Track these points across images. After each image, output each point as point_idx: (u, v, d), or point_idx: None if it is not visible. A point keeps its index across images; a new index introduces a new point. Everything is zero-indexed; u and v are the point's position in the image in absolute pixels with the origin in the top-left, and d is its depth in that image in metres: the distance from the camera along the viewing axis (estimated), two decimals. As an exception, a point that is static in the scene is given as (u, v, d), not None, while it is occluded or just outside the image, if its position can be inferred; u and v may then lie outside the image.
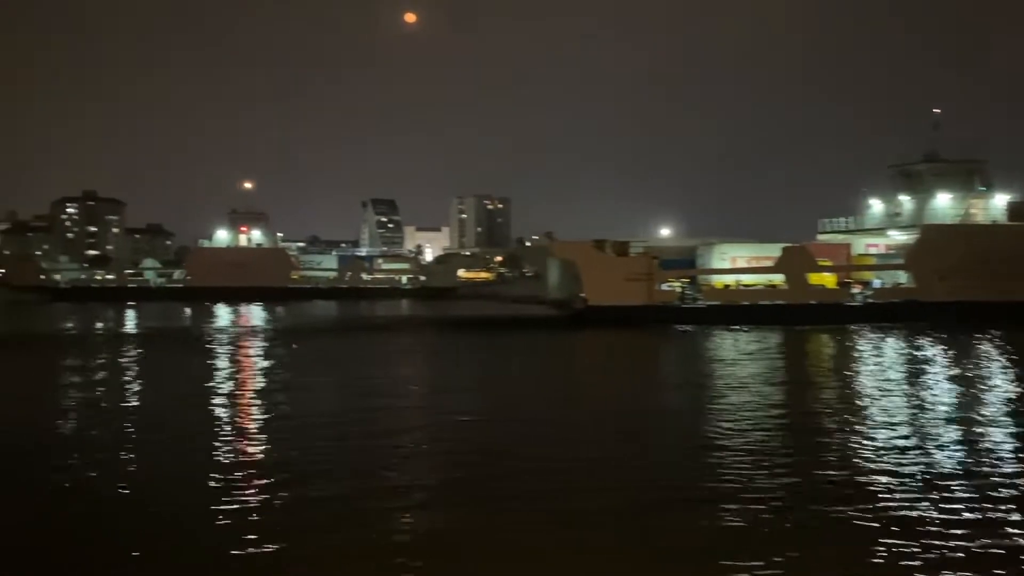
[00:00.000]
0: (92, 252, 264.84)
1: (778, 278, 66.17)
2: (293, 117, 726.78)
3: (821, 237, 75.66)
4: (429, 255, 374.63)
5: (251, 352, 46.21)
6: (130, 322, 77.27)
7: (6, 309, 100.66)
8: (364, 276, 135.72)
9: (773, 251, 67.53)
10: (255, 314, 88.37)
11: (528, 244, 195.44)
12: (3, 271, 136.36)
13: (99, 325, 72.65)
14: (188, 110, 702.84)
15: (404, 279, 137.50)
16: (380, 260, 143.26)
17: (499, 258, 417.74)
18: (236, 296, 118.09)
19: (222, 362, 41.41)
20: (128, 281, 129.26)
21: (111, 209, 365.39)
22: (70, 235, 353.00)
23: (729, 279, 67.68)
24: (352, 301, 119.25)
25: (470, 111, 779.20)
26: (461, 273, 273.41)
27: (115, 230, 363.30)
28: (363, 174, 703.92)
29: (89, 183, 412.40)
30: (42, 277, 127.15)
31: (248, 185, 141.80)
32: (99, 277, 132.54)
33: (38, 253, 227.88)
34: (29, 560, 13.55)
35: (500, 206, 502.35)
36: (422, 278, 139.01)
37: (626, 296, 63.57)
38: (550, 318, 70.48)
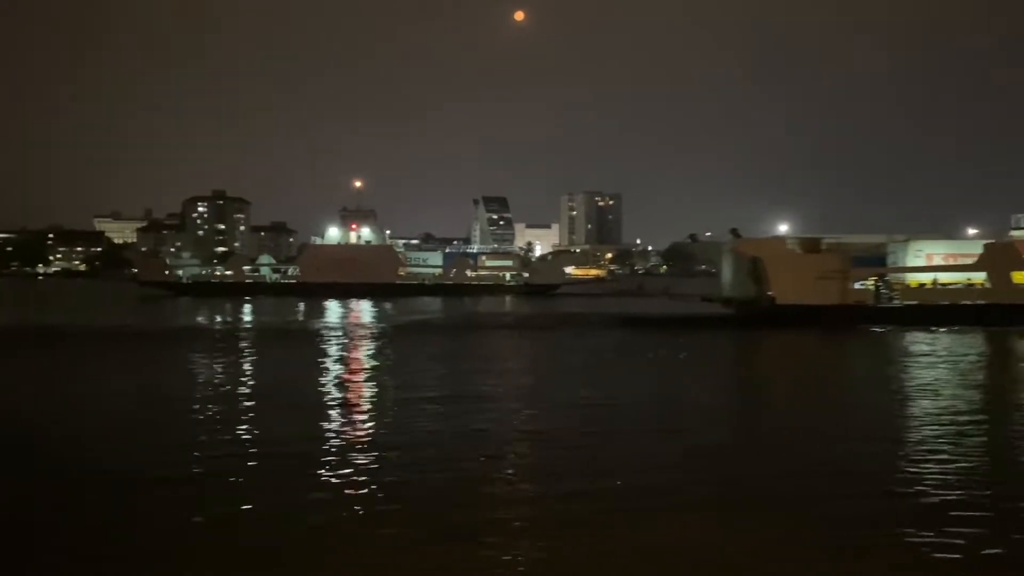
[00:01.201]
0: (220, 249, 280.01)
1: (979, 276, 63.57)
2: (407, 117, 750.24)
3: (1014, 233, 70.25)
4: (539, 252, 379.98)
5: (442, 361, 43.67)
6: (248, 316, 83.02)
7: (137, 303, 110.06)
8: (469, 273, 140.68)
9: (973, 248, 65.03)
10: (366, 310, 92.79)
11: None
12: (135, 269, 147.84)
13: (221, 319, 78.07)
14: (310, 110, 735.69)
15: (508, 276, 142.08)
16: (484, 257, 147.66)
17: (609, 255, 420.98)
18: (345, 292, 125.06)
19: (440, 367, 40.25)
20: (245, 277, 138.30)
21: (238, 208, 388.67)
22: (200, 232, 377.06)
23: (925, 277, 65.37)
24: (457, 298, 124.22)
25: (583, 109, 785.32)
26: (570, 270, 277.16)
27: (241, 228, 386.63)
28: (475, 172, 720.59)
29: (218, 183, 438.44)
30: (167, 273, 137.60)
31: (358, 184, 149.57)
32: (219, 273, 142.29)
33: (171, 249, 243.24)
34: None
35: (611, 203, 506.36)
36: (525, 275, 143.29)
37: (817, 295, 61.58)
38: (724, 317, 68.35)
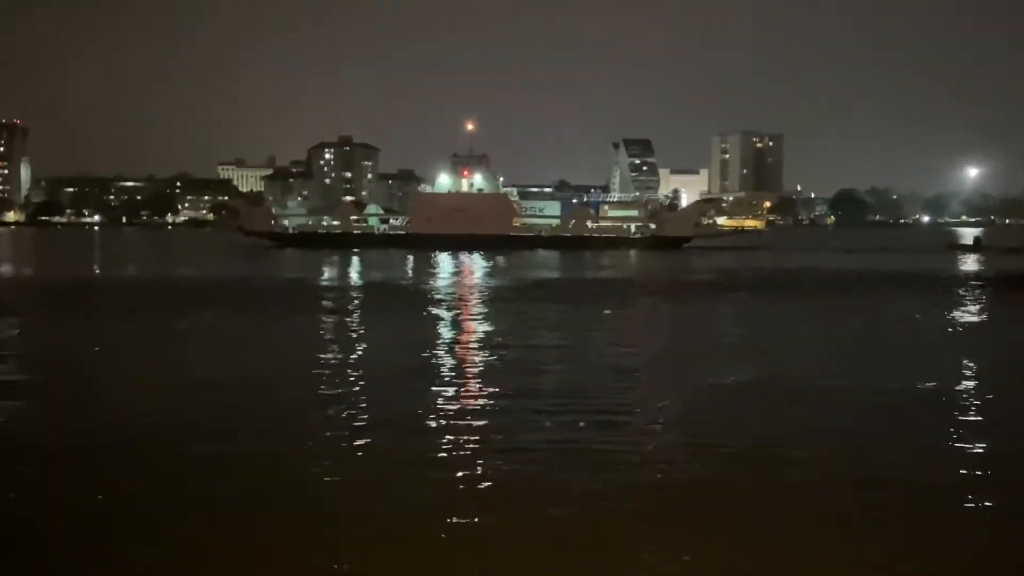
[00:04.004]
0: (348, 198, 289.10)
1: None
2: (534, 54, 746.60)
3: None
4: (684, 200, 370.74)
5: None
6: (352, 271, 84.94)
7: (242, 254, 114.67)
8: (589, 224, 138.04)
9: None
10: (477, 264, 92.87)
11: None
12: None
13: (329, 273, 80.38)
14: (435, 55, 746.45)
15: (632, 227, 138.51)
16: (606, 207, 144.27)
17: (767, 203, 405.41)
18: (456, 243, 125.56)
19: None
20: (353, 227, 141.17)
21: (365, 155, 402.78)
22: (327, 180, 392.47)
23: None
24: (575, 251, 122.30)
25: (737, 40, 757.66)
26: (722, 221, 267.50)
27: (369, 176, 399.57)
28: (615, 114, 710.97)
29: (344, 129, 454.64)
30: (272, 223, 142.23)
31: (470, 126, 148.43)
32: (325, 223, 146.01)
33: (299, 199, 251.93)
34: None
35: (770, 144, 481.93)
36: (652, 226, 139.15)
37: None
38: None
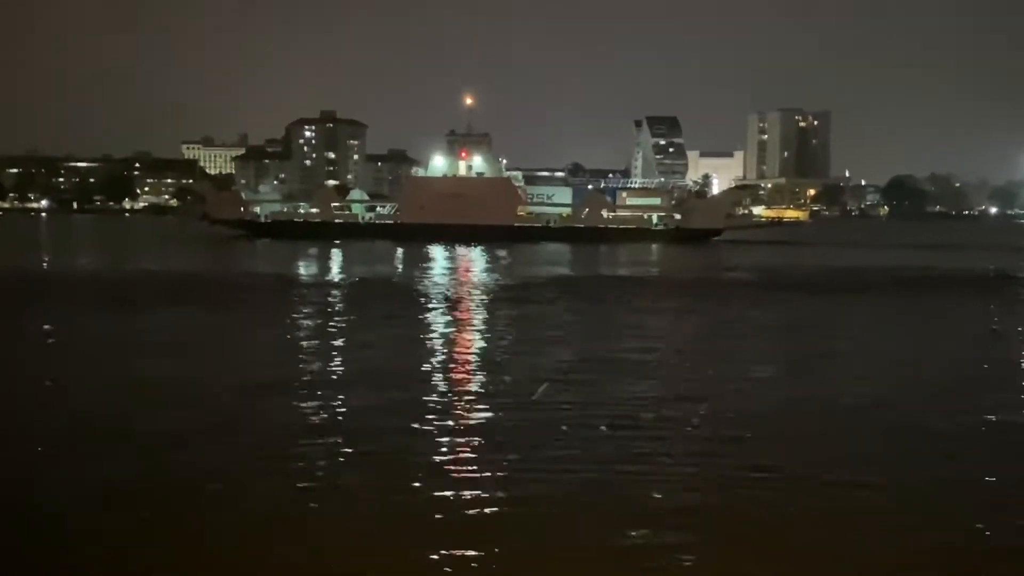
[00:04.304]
0: (331, 182, 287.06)
1: None
2: (544, 19, 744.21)
3: None
4: (716, 187, 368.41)
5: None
6: (335, 267, 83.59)
7: (207, 246, 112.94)
8: (604, 213, 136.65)
9: None
10: (476, 259, 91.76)
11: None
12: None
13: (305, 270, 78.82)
14: (433, 17, 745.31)
15: (655, 218, 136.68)
16: (625, 194, 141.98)
17: (811, 191, 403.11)
18: (451, 235, 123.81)
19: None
20: (334, 215, 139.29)
21: (351, 132, 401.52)
22: (307, 161, 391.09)
23: None
24: (589, 244, 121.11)
25: (776, 4, 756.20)
26: (759, 211, 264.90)
27: (355, 157, 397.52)
28: (637, 88, 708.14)
29: (327, 102, 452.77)
30: (242, 209, 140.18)
31: (469, 100, 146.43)
32: (302, 210, 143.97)
33: (275, 182, 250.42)
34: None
35: (816, 123, 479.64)
36: (676, 216, 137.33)
37: None
38: None
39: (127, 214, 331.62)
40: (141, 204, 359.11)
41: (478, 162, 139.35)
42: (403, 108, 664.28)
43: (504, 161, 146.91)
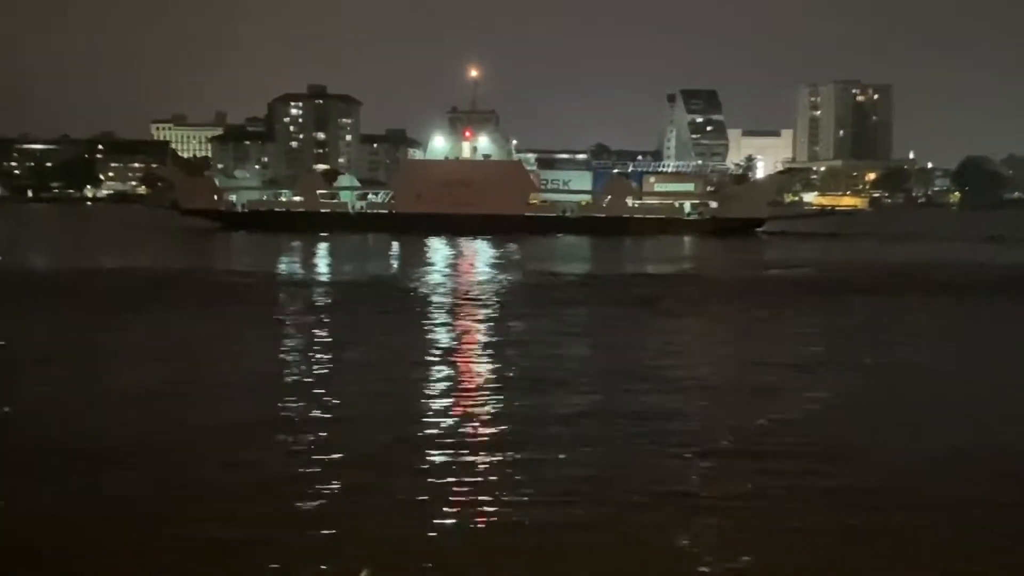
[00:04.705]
0: (321, 166, 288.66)
1: None
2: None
3: None
4: (761, 171, 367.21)
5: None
6: (320, 264, 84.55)
7: (175, 240, 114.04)
8: (629, 201, 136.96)
9: None
10: (482, 254, 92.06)
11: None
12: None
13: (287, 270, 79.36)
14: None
15: (687, 206, 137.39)
16: (652, 179, 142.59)
17: (871, 175, 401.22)
18: (454, 227, 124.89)
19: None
20: (320, 204, 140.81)
21: (343, 110, 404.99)
22: (293, 143, 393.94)
23: None
24: (611, 236, 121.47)
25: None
26: (811, 198, 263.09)
27: (348, 138, 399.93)
28: (671, 58, 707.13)
29: (316, 76, 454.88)
30: (216, 197, 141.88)
31: (474, 72, 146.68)
32: (284, 199, 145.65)
33: (256, 167, 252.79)
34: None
35: (876, 97, 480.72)
36: (712, 204, 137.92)
37: None
38: None
39: (89, 202, 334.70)
40: (105, 192, 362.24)
41: (484, 143, 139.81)
42: (402, 82, 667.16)
43: (515, 142, 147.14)
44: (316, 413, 25.42)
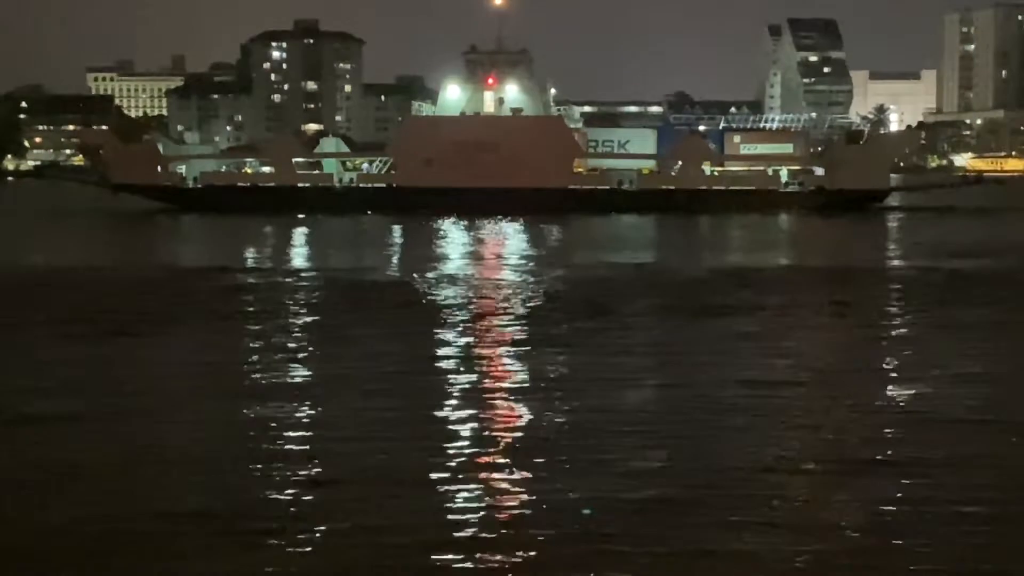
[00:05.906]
0: (312, 125, 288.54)
1: None
2: None
3: None
4: (895, 124, 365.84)
5: None
6: (295, 257, 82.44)
7: (105, 226, 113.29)
8: (707, 169, 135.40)
9: None
10: (512, 242, 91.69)
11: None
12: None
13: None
14: None
15: (784, 173, 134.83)
16: (737, 138, 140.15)
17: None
18: (473, 204, 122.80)
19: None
20: (297, 177, 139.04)
21: (340, 52, 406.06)
22: (276, 96, 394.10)
23: None
24: (686, 215, 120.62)
25: None
26: (965, 160, 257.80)
27: (347, 88, 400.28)
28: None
29: (305, 9, 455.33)
30: (159, 169, 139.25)
31: (499, 1, 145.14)
32: (250, 169, 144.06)
33: (228, 127, 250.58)
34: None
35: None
36: (818, 172, 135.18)
37: None
38: None
39: (9, 177, 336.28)
40: (31, 162, 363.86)
41: (512, 93, 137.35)
42: (416, 15, 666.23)
43: (553, 91, 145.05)
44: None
